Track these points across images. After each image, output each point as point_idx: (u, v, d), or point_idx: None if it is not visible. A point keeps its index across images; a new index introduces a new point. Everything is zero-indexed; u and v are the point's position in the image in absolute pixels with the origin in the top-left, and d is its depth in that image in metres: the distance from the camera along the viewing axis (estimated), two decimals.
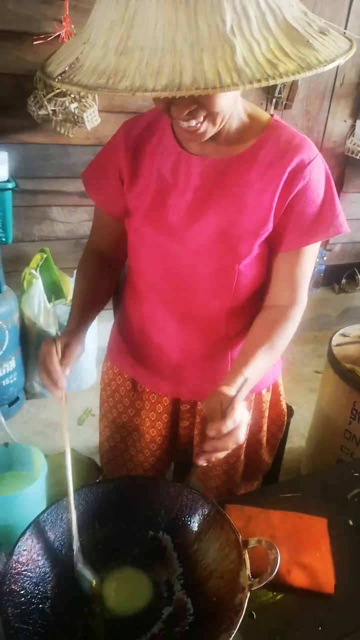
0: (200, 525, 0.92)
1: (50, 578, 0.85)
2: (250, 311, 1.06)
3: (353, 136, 3.00)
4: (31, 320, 2.47)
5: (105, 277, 1.16)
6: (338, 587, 0.95)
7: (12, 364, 2.42)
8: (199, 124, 0.83)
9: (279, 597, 0.94)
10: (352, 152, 2.99)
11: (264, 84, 0.59)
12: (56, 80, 0.66)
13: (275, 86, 2.81)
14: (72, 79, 0.64)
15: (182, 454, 1.36)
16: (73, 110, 2.09)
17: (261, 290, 1.06)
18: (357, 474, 1.24)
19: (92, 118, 2.16)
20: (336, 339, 1.95)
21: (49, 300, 2.50)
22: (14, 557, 0.80)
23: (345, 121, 3.02)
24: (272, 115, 0.96)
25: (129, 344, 1.19)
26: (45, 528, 0.88)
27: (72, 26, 2.08)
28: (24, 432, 2.39)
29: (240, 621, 0.73)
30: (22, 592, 0.78)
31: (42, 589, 0.83)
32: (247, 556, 0.81)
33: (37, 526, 0.86)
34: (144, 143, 0.99)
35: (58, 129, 2.21)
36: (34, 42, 2.09)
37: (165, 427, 1.21)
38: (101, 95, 2.18)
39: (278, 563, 0.78)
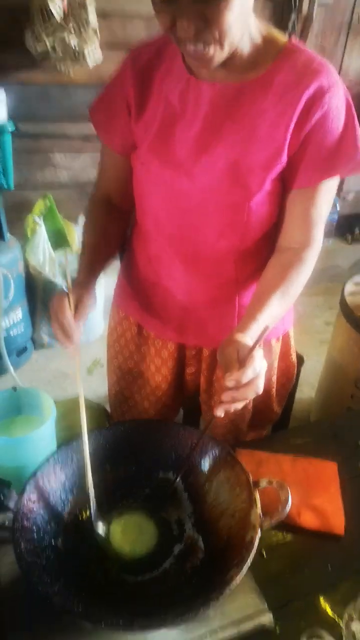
0: (211, 467, 0.92)
1: (62, 516, 0.86)
2: (260, 255, 1.02)
3: None
4: (36, 270, 2.44)
5: (114, 224, 1.11)
6: (348, 528, 0.96)
7: (18, 314, 2.41)
8: (207, 47, 0.76)
9: (289, 537, 0.95)
10: None
11: None
12: None
13: (288, 20, 2.65)
14: None
15: (190, 402, 1.35)
16: (73, 46, 1.98)
17: (273, 231, 1.01)
18: None
19: (93, 54, 2.04)
20: (349, 287, 1.91)
21: (54, 249, 2.46)
22: (26, 496, 0.80)
23: None
24: (290, 38, 0.88)
25: (135, 287, 1.16)
26: (56, 468, 0.88)
27: None
28: (33, 382, 2.41)
29: (251, 558, 0.73)
30: (34, 528, 0.79)
31: (54, 526, 0.83)
32: (257, 496, 0.81)
33: (48, 466, 0.87)
34: (152, 70, 0.92)
35: (58, 66, 2.10)
36: None
37: (170, 373, 1.19)
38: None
39: (289, 503, 0.77)
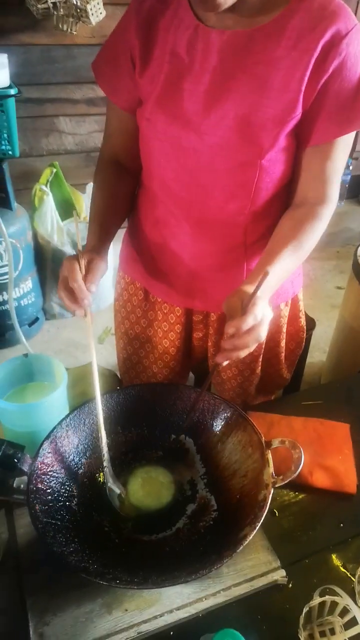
0: (223, 428, 0.92)
1: (75, 478, 0.88)
2: (271, 217, 0.98)
3: None
4: (45, 239, 2.43)
5: (123, 185, 1.07)
6: None
7: (28, 284, 2.41)
8: None
9: (300, 496, 0.96)
10: None
11: None
12: None
13: None
14: None
15: (199, 369, 1.35)
16: (75, 2, 1.90)
17: (284, 192, 0.97)
18: None
19: (96, 11, 1.96)
20: None
21: (62, 218, 2.44)
22: (39, 459, 0.81)
23: None
24: None
25: (140, 252, 1.14)
26: (69, 432, 0.89)
27: None
28: (45, 351, 2.43)
29: (263, 516, 0.74)
30: (48, 490, 0.80)
31: (68, 488, 0.85)
32: (270, 456, 0.81)
33: (61, 430, 0.87)
34: (157, 18, 0.87)
35: (60, 25, 2.03)
36: None
37: (178, 338, 1.19)
38: None
39: (302, 461, 0.77)
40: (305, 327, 1.27)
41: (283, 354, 1.24)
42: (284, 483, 0.77)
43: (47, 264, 2.52)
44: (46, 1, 1.91)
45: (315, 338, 1.85)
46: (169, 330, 1.17)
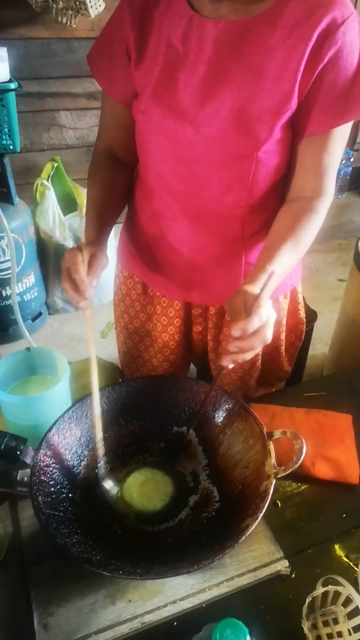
0: (225, 420, 0.92)
1: (78, 470, 0.88)
2: (268, 210, 0.98)
3: None
4: (47, 234, 2.43)
5: (119, 177, 1.07)
6: None
7: (31, 279, 2.42)
8: None
9: (303, 487, 0.96)
10: None
11: None
12: None
13: None
14: None
15: (200, 362, 1.35)
16: None
17: (281, 185, 0.97)
18: None
19: (95, 3, 1.95)
20: None
21: (64, 213, 2.43)
22: (42, 451, 0.82)
23: None
24: None
25: (138, 245, 1.14)
26: (71, 424, 0.89)
27: None
28: (48, 346, 2.42)
29: (265, 507, 0.74)
30: (51, 482, 0.81)
31: (71, 480, 0.85)
32: (272, 447, 0.81)
33: (63, 422, 0.88)
34: (151, 8, 0.87)
35: (59, 18, 2.02)
36: None
37: (177, 332, 1.18)
38: None
39: (304, 452, 0.77)
40: (305, 319, 1.26)
41: (283, 347, 1.24)
42: (286, 474, 0.77)
43: (49, 258, 2.52)
44: None
45: (317, 330, 1.85)
46: (168, 324, 1.17)
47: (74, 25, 2.08)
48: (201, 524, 0.83)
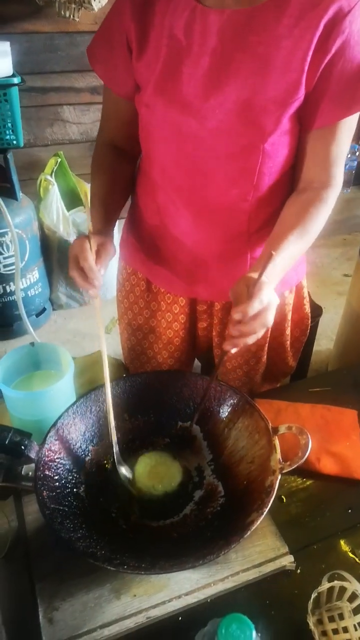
0: (230, 415, 0.92)
1: (82, 465, 0.88)
2: (274, 204, 0.97)
3: None
4: (51, 230, 2.42)
5: (123, 167, 1.06)
6: None
7: (35, 274, 2.41)
8: None
9: (308, 482, 0.96)
10: None
11: None
12: None
13: None
14: None
15: (205, 359, 1.34)
16: None
17: (288, 178, 0.96)
18: None
19: None
20: None
21: (67, 208, 2.43)
22: (46, 446, 0.81)
23: None
24: None
25: (142, 240, 1.13)
26: (76, 419, 0.89)
27: None
28: (52, 341, 2.42)
29: (271, 502, 0.73)
30: (56, 477, 0.81)
31: (75, 475, 0.85)
32: (277, 442, 0.80)
33: (68, 417, 0.88)
34: (152, 0, 0.86)
35: (62, 12, 2.01)
36: None
37: (182, 328, 1.18)
38: None
39: (309, 447, 0.77)
40: (310, 314, 1.26)
41: (288, 342, 1.23)
42: (291, 469, 0.76)
43: (53, 254, 2.52)
44: None
45: (322, 326, 1.84)
46: (173, 320, 1.17)
47: (77, 19, 2.07)
48: (206, 519, 0.83)
